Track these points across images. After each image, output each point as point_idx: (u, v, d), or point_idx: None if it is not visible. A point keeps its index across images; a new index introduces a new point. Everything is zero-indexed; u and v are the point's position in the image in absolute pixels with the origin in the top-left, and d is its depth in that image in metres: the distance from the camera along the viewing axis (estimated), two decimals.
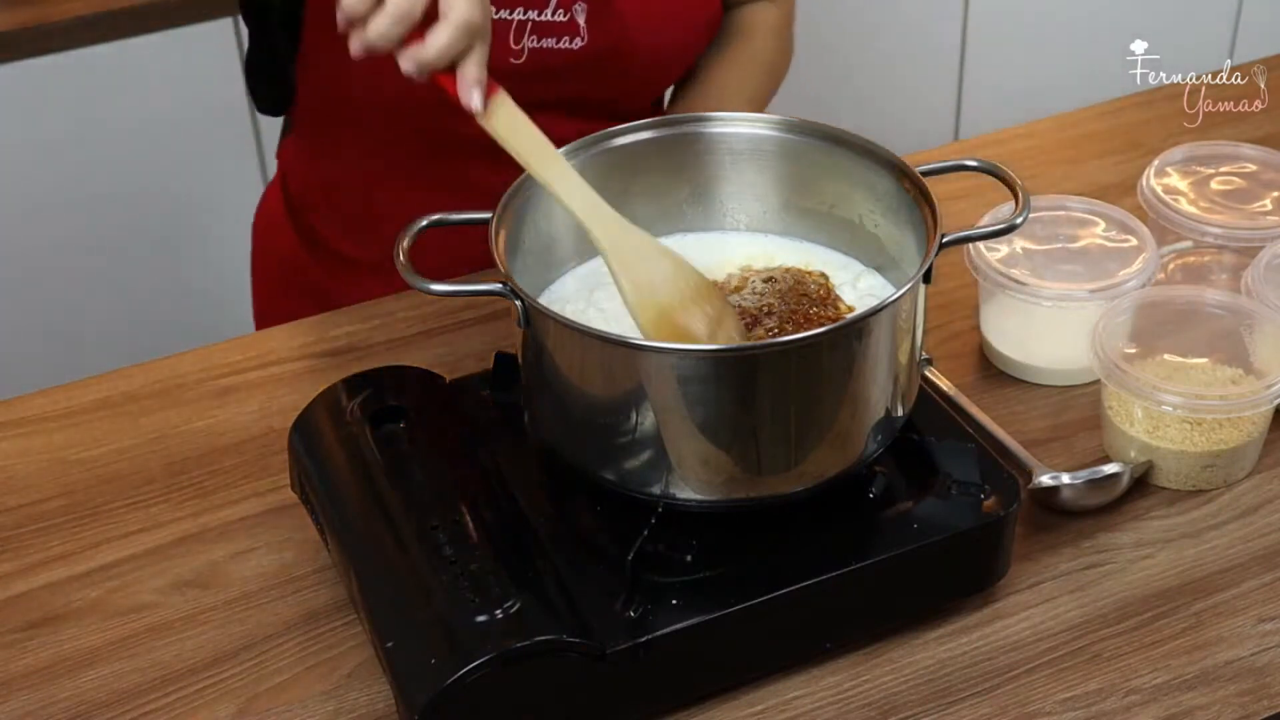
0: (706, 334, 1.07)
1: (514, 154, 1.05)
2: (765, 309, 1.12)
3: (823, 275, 1.16)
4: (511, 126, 1.04)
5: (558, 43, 1.39)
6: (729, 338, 1.08)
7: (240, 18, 1.52)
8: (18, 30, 2.10)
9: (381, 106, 1.42)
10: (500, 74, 1.38)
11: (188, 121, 2.28)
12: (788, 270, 1.17)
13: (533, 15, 1.38)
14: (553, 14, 1.39)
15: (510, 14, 1.37)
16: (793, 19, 1.64)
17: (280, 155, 1.64)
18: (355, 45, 1.00)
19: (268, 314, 1.67)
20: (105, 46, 2.16)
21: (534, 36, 1.39)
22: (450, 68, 1.02)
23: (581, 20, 1.40)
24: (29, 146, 2.18)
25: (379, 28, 0.99)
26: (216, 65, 2.26)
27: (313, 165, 1.57)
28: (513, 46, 1.39)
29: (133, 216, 2.30)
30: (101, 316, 2.33)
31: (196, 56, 2.25)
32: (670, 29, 1.46)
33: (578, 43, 1.40)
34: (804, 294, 1.14)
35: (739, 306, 1.13)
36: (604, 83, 1.44)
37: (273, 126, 2.34)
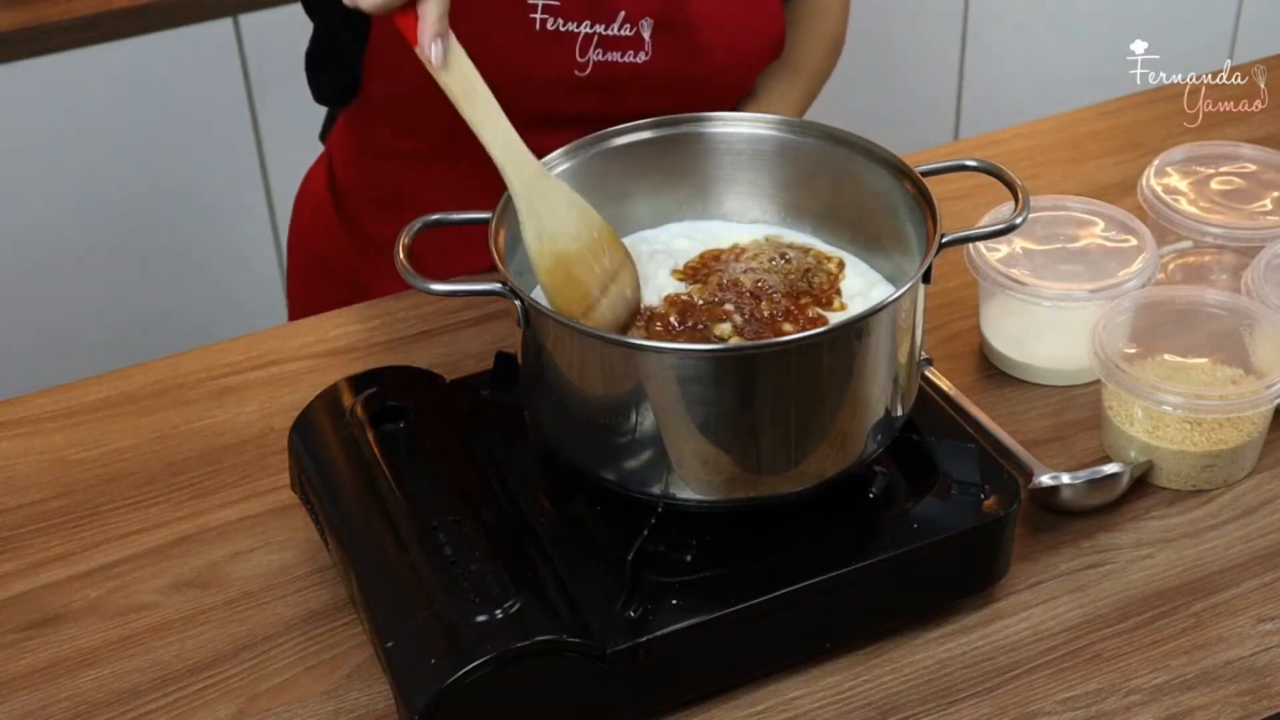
0: (598, 288, 1.09)
1: (445, 90, 1.06)
2: (761, 286, 1.12)
3: (841, 264, 1.16)
4: (449, 66, 1.05)
5: (623, 57, 1.41)
6: (620, 294, 1.10)
7: (304, 8, 1.50)
8: (18, 30, 2.10)
9: (447, 107, 1.43)
10: (565, 85, 1.39)
11: (188, 121, 2.28)
12: (808, 252, 1.16)
13: (600, 29, 1.40)
14: (619, 29, 1.40)
15: (578, 27, 1.39)
16: (843, 26, 1.64)
17: (330, 144, 1.64)
18: None
19: (302, 301, 1.67)
20: (105, 46, 2.16)
21: (600, 50, 1.40)
22: (409, 9, 1.03)
23: (648, 35, 1.41)
24: (29, 146, 2.18)
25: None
26: (216, 65, 2.26)
27: (365, 157, 1.57)
28: (578, 59, 1.40)
29: (133, 216, 2.30)
30: (101, 316, 2.33)
31: (196, 56, 2.25)
32: (737, 47, 1.47)
33: (642, 57, 1.41)
34: (805, 281, 1.13)
35: (734, 278, 1.12)
36: (670, 98, 1.44)
37: (274, 128, 2.34)
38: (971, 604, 1.13)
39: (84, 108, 2.20)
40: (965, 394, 1.23)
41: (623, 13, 1.40)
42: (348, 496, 1.11)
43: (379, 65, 1.44)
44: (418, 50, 1.04)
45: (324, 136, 1.68)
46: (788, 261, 1.15)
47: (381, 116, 1.51)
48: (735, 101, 1.56)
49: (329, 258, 1.63)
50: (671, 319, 1.10)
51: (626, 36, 1.40)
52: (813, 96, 1.64)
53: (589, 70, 1.41)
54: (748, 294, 1.12)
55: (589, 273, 1.09)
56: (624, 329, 1.10)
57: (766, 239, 1.19)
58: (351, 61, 1.46)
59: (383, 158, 1.54)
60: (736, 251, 1.17)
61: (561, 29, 1.38)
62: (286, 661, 1.11)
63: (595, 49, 1.40)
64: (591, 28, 1.39)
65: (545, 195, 1.08)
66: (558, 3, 1.37)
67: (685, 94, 1.45)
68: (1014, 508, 1.09)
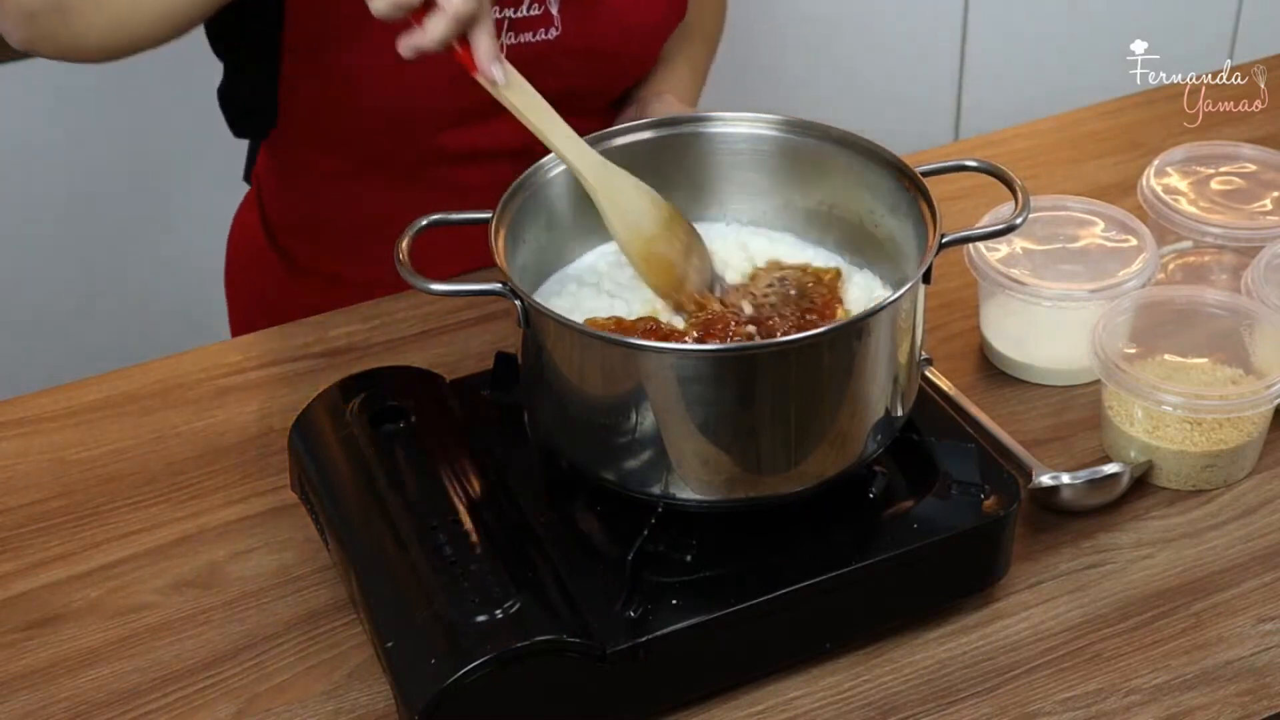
0: (683, 261, 1.13)
1: (508, 105, 1.10)
2: (767, 314, 1.12)
3: (837, 273, 1.16)
4: (510, 84, 1.10)
5: (534, 36, 1.42)
6: (700, 265, 1.13)
7: (212, 48, 1.51)
8: None
9: (365, 122, 1.43)
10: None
11: (187, 121, 2.28)
12: (805, 270, 1.16)
13: (509, 13, 1.40)
14: (528, 9, 1.41)
15: None
16: None
17: (256, 180, 1.64)
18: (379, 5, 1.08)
19: (240, 322, 1.67)
20: None
21: (511, 33, 1.41)
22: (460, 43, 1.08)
23: (555, 10, 1.42)
24: (28, 146, 2.18)
25: (378, 8, 1.08)
26: (216, 65, 2.26)
27: (293, 188, 1.57)
28: None
29: (133, 216, 2.30)
30: (101, 316, 2.33)
31: (196, 56, 2.24)
32: (642, 11, 1.48)
33: (553, 33, 1.42)
34: (806, 298, 1.13)
35: (739, 309, 1.12)
36: (585, 71, 1.45)
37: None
38: (971, 604, 1.13)
39: (83, 108, 2.19)
40: (965, 394, 1.23)
41: None
42: (348, 496, 1.11)
43: (293, 92, 1.44)
44: (477, 75, 1.08)
45: (247, 176, 1.67)
46: (784, 284, 1.15)
47: (301, 139, 1.51)
48: (645, 72, 1.57)
49: (266, 292, 1.62)
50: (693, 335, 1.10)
51: (535, 15, 1.41)
52: (713, 57, 1.67)
53: (504, 54, 1.41)
54: (756, 323, 1.12)
55: (672, 249, 1.12)
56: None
57: (763, 267, 1.18)
58: (265, 92, 1.46)
59: (309, 179, 1.54)
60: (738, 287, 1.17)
61: None
62: (286, 661, 1.11)
63: (507, 33, 1.40)
64: (501, 13, 1.39)
65: (618, 187, 1.12)
66: None
67: (597, 67, 1.46)
68: (1014, 508, 1.09)
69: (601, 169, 1.12)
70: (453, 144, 1.21)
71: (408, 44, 1.08)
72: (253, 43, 1.43)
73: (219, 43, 1.50)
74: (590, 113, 1.50)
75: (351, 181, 1.51)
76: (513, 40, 1.41)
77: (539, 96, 1.11)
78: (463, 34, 1.08)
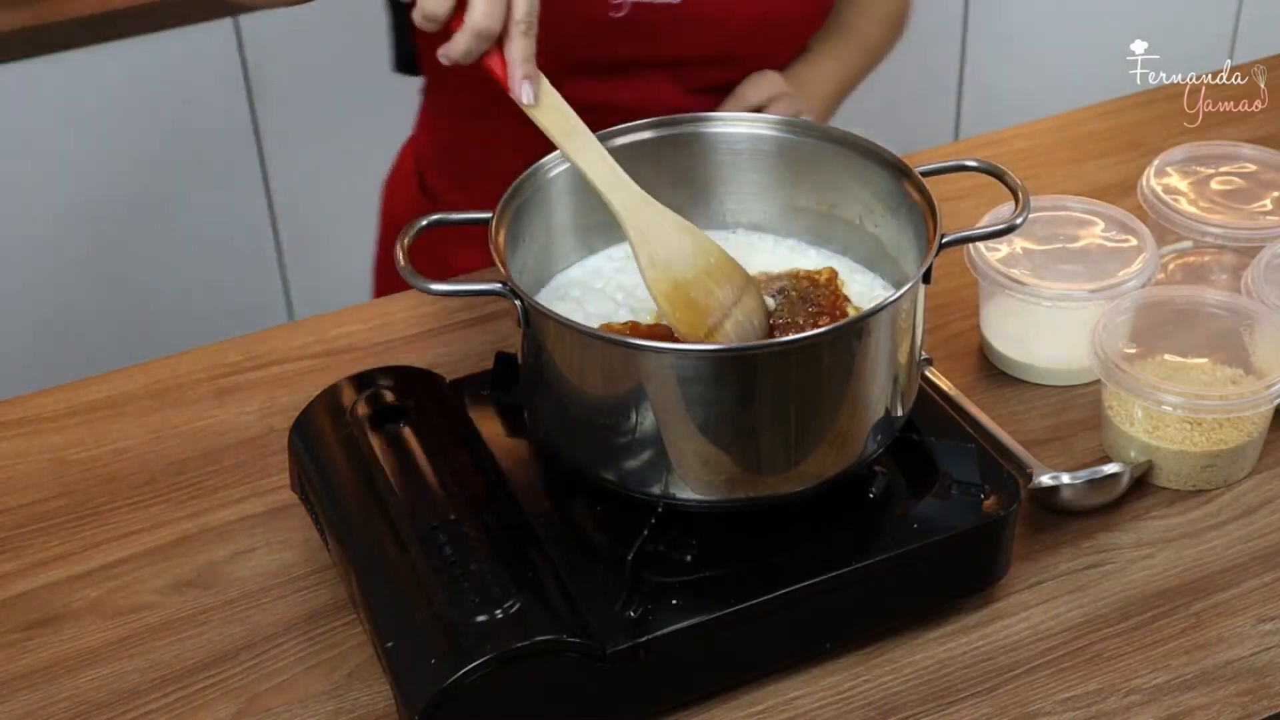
0: (720, 312, 1.08)
1: (540, 127, 1.07)
2: (782, 322, 1.12)
3: (832, 273, 1.16)
4: (543, 104, 1.07)
5: None
6: (747, 321, 1.09)
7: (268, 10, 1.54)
8: (18, 30, 2.10)
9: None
10: (601, 27, 1.38)
11: (188, 121, 2.28)
12: (798, 276, 1.16)
13: None
14: None
15: None
16: (904, 3, 1.65)
17: (417, 120, 1.68)
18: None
19: (387, 276, 1.69)
20: (105, 47, 2.16)
21: None
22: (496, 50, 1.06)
23: None
24: (29, 146, 2.18)
25: (418, 14, 1.06)
26: (216, 65, 2.26)
27: (436, 124, 1.60)
28: (613, 1, 1.39)
29: (133, 216, 2.30)
30: (102, 316, 2.33)
31: (196, 56, 2.25)
32: None
33: None
34: (812, 302, 1.13)
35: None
36: (705, 43, 1.43)
37: (274, 128, 2.35)
38: (971, 604, 1.13)
39: (84, 108, 2.20)
40: (965, 394, 1.23)
41: None
42: (348, 496, 1.11)
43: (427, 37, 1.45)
44: (510, 93, 1.06)
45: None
46: (782, 294, 1.15)
47: (443, 85, 1.53)
48: (768, 56, 1.54)
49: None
50: None
51: None
52: (868, 68, 1.63)
53: (624, 12, 1.40)
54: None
55: (709, 297, 1.08)
56: None
57: (756, 278, 1.18)
58: (408, 37, 1.47)
59: (455, 119, 1.56)
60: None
61: None
62: (286, 661, 1.11)
63: None
64: None
65: (653, 222, 1.09)
66: None
67: (719, 38, 1.44)
68: (1014, 508, 1.09)
69: (639, 202, 1.09)
70: (568, 91, 1.20)
71: (442, 54, 1.06)
72: None
73: None
74: (706, 90, 1.48)
75: (481, 122, 1.51)
76: None
77: (578, 120, 1.08)
78: (498, 46, 1.05)
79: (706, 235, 1.11)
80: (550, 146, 1.08)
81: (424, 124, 1.66)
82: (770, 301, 1.13)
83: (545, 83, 1.07)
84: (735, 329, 1.09)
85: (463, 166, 1.59)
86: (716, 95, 1.48)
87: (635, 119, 1.14)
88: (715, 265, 1.10)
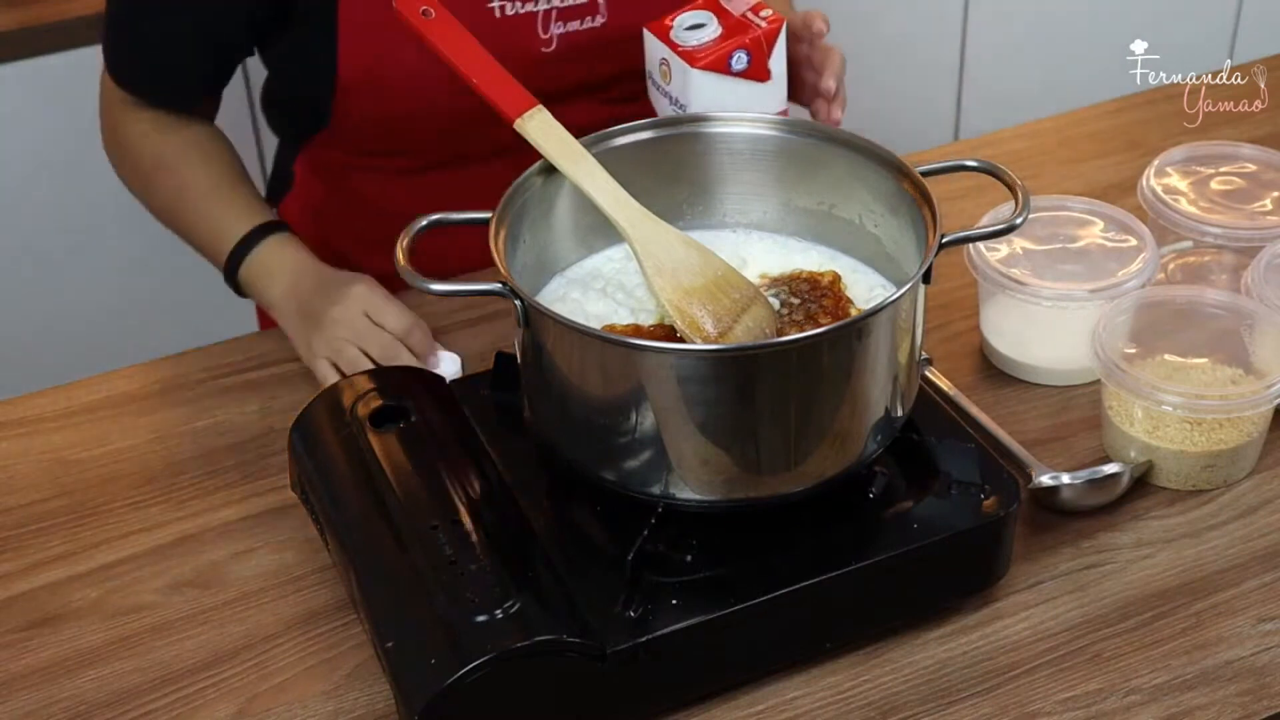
0: (730, 319, 1.10)
1: (546, 155, 1.12)
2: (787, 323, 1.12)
3: (835, 276, 1.16)
4: (544, 132, 1.13)
5: (581, 24, 1.44)
6: (757, 327, 1.10)
7: (260, 58, 1.53)
8: (18, 30, 2.10)
9: (420, 122, 1.45)
10: (535, 63, 1.41)
11: None
12: (800, 279, 1.16)
13: (556, 2, 1.42)
14: None
15: (535, 6, 1.42)
16: None
17: (298, 177, 1.64)
18: None
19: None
20: None
21: (560, 23, 1.43)
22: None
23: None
24: (28, 146, 2.18)
25: None
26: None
27: (338, 185, 1.57)
28: (542, 36, 1.43)
29: (132, 217, 2.29)
30: (102, 316, 2.33)
31: None
32: None
33: (599, 20, 1.44)
34: (815, 302, 1.13)
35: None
36: (630, 57, 1.45)
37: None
38: (971, 604, 1.13)
39: (84, 108, 2.19)
40: (965, 394, 1.23)
41: None
42: (348, 496, 1.11)
43: (348, 97, 1.44)
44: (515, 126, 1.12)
45: (273, 199, 1.66)
46: (785, 294, 1.15)
47: (357, 144, 1.51)
48: None
49: None
50: None
51: (581, 4, 1.43)
52: None
53: (554, 45, 1.44)
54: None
55: (717, 304, 1.10)
56: None
57: (759, 277, 1.18)
58: (319, 99, 1.47)
59: (364, 175, 1.54)
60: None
61: (520, 11, 1.41)
62: (286, 661, 1.11)
63: (555, 23, 1.43)
64: (549, 3, 1.42)
65: (658, 236, 1.12)
66: None
67: (641, 50, 1.47)
68: (1014, 508, 1.09)
69: (642, 218, 1.12)
70: (501, 135, 1.21)
71: None
72: (306, 57, 1.44)
73: (264, 49, 1.51)
74: (639, 101, 1.50)
75: (400, 178, 1.52)
76: (561, 30, 1.43)
77: (578, 145, 1.12)
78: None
79: (712, 252, 1.13)
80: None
81: (317, 191, 1.61)
82: (775, 302, 1.13)
83: (549, 116, 1.13)
84: (746, 335, 1.09)
85: (379, 224, 1.56)
86: (633, 105, 1.50)
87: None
88: (722, 277, 1.12)
